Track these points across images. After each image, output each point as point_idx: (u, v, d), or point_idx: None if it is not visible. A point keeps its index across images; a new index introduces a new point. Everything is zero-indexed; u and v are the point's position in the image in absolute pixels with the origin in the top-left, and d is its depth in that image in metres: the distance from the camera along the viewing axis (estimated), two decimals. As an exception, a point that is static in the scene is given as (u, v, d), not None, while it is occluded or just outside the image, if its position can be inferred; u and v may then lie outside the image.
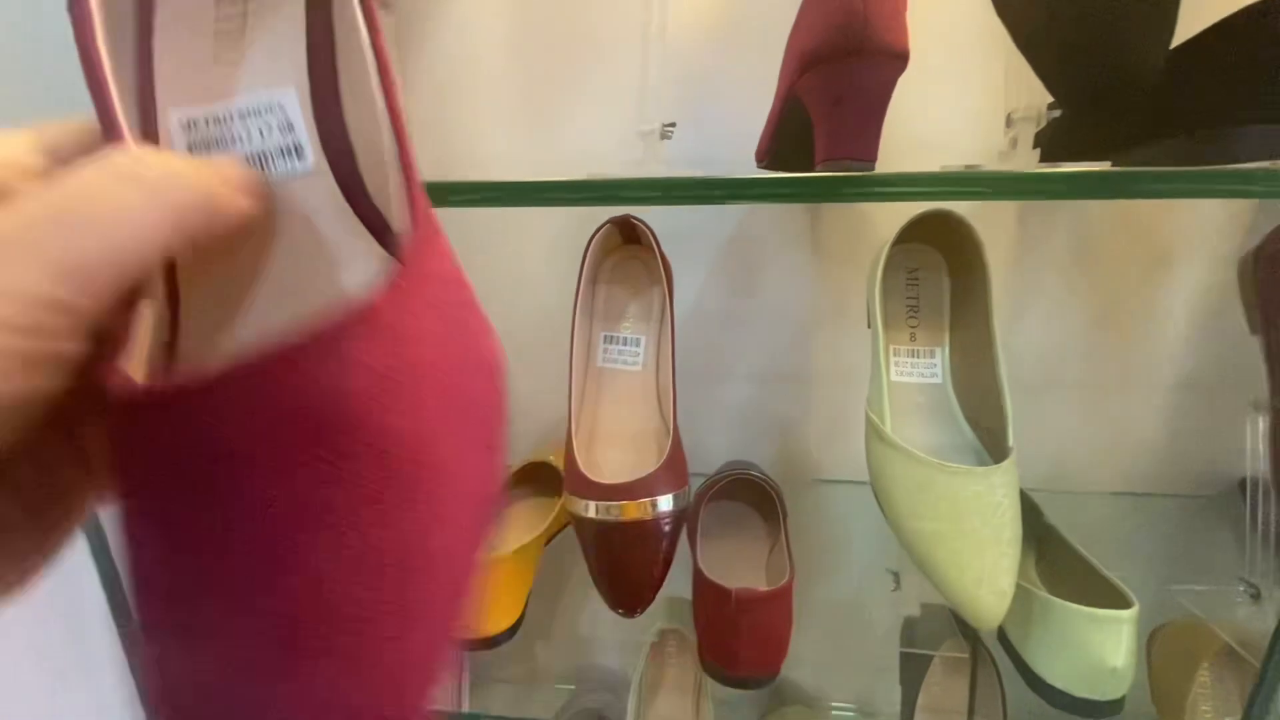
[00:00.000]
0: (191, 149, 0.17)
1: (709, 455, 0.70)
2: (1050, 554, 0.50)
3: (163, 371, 0.16)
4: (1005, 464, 0.39)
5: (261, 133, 0.16)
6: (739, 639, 0.42)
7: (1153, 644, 0.54)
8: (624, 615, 0.43)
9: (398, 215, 0.17)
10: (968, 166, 0.38)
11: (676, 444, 0.45)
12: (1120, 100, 0.29)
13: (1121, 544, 0.61)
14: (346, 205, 0.17)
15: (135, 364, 0.15)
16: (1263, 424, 0.45)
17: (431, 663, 0.14)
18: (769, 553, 0.53)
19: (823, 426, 0.68)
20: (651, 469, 0.42)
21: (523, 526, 0.55)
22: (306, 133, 0.17)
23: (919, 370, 0.47)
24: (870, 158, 0.35)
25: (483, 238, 0.66)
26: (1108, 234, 0.57)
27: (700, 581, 0.44)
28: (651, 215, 0.49)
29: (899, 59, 0.33)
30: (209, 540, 0.12)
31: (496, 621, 0.46)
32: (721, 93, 0.58)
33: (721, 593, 0.41)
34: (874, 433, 0.43)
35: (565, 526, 0.56)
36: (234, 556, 0.12)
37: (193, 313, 0.16)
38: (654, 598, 0.43)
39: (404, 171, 0.16)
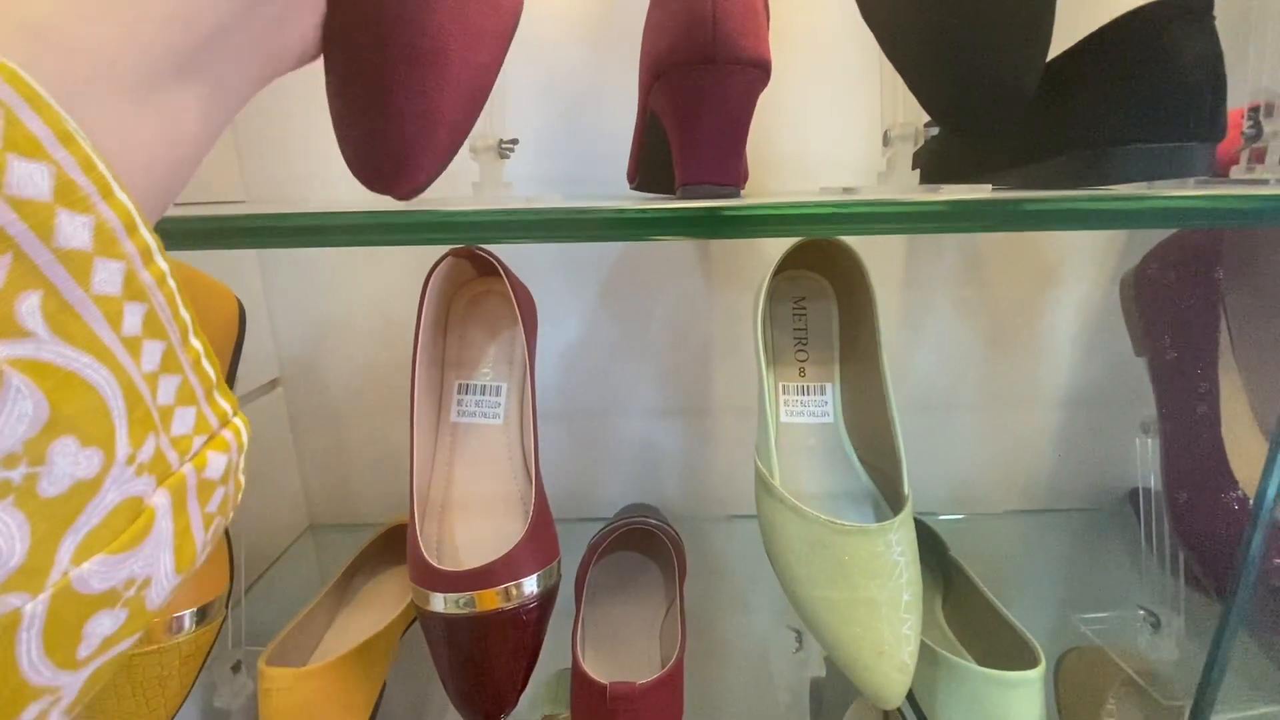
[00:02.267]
0: None
1: (608, 497, 0.64)
2: (956, 593, 0.48)
3: None
4: (902, 516, 0.35)
5: None
6: (619, 738, 0.36)
7: (1059, 672, 0.52)
8: (482, 725, 0.36)
9: None
10: (846, 190, 0.34)
11: (542, 509, 0.39)
12: (994, 118, 0.26)
13: (1023, 564, 0.60)
14: None
15: None
16: (1152, 446, 0.44)
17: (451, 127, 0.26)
18: (664, 615, 0.48)
19: (727, 459, 0.64)
20: (513, 543, 0.36)
21: (375, 610, 0.47)
22: None
23: (810, 409, 0.43)
24: (733, 182, 0.30)
25: (335, 265, 0.58)
26: (995, 251, 0.56)
27: (576, 670, 0.38)
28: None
29: (757, 68, 0.28)
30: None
31: (334, 739, 0.38)
32: (589, 100, 0.53)
33: (595, 687, 0.35)
34: (762, 485, 0.38)
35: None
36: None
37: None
38: (518, 698, 0.37)
39: None
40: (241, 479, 0.18)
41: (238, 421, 0.18)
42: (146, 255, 0.14)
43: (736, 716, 0.48)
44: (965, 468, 0.62)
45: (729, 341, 0.60)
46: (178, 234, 0.27)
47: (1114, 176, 0.29)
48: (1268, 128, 0.36)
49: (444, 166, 0.27)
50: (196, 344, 0.16)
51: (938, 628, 0.47)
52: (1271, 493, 0.32)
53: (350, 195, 0.55)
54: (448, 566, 0.35)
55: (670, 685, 0.36)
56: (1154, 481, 0.44)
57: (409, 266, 0.55)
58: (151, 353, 0.14)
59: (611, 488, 0.64)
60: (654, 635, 0.47)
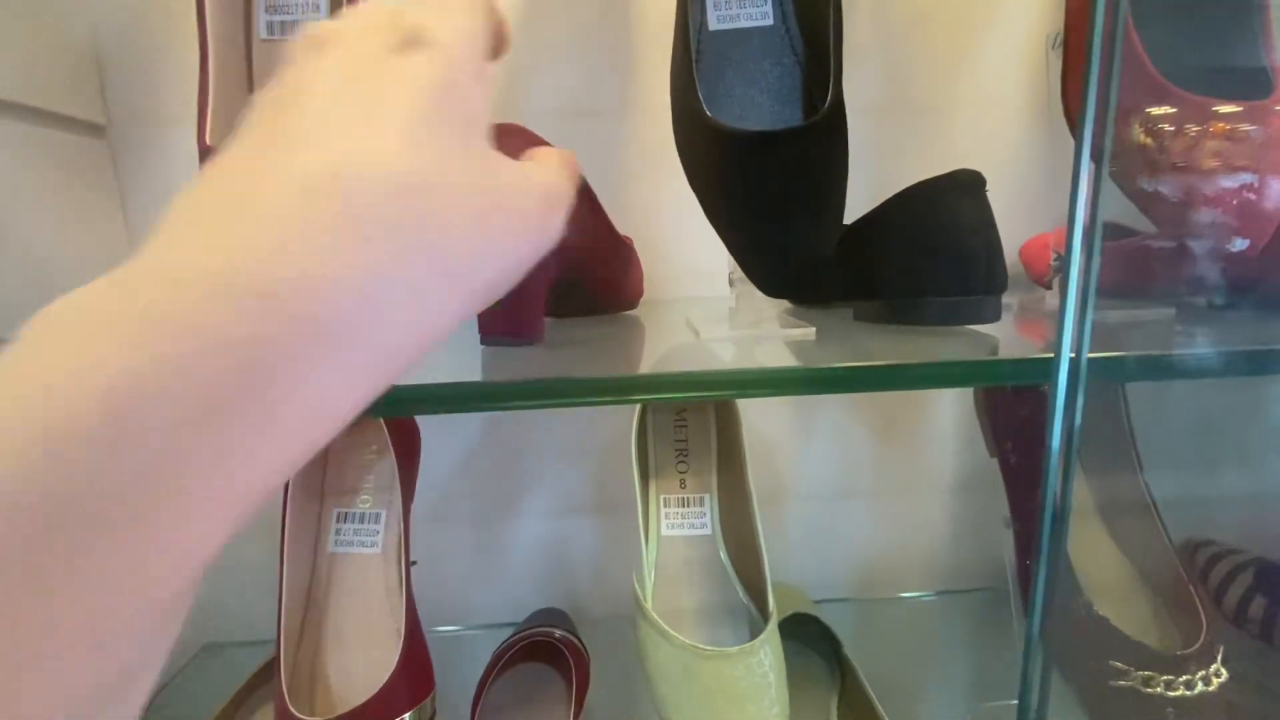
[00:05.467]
0: None
1: (517, 599, 0.64)
2: (850, 695, 0.48)
3: None
4: (764, 635, 0.36)
5: None
6: None
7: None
8: None
9: None
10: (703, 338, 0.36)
11: (415, 641, 0.38)
12: (796, 284, 0.28)
13: (921, 647, 0.61)
14: None
15: None
16: (1010, 539, 0.47)
17: None
18: (562, 734, 0.47)
19: (637, 555, 0.64)
20: (383, 680, 0.35)
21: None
22: None
23: (690, 521, 0.44)
24: (528, 334, 0.31)
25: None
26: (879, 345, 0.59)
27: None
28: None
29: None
30: None
31: None
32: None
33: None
34: (637, 607, 0.39)
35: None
36: None
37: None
38: None
39: None
40: None
41: None
42: None
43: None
44: (864, 553, 0.63)
45: (625, 438, 0.61)
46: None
47: (920, 320, 0.32)
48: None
49: None
50: None
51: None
52: (1038, 603, 0.34)
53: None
54: (320, 703, 0.35)
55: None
56: (1010, 575, 0.46)
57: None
58: None
59: (520, 589, 0.64)
60: (551, 758, 0.46)
